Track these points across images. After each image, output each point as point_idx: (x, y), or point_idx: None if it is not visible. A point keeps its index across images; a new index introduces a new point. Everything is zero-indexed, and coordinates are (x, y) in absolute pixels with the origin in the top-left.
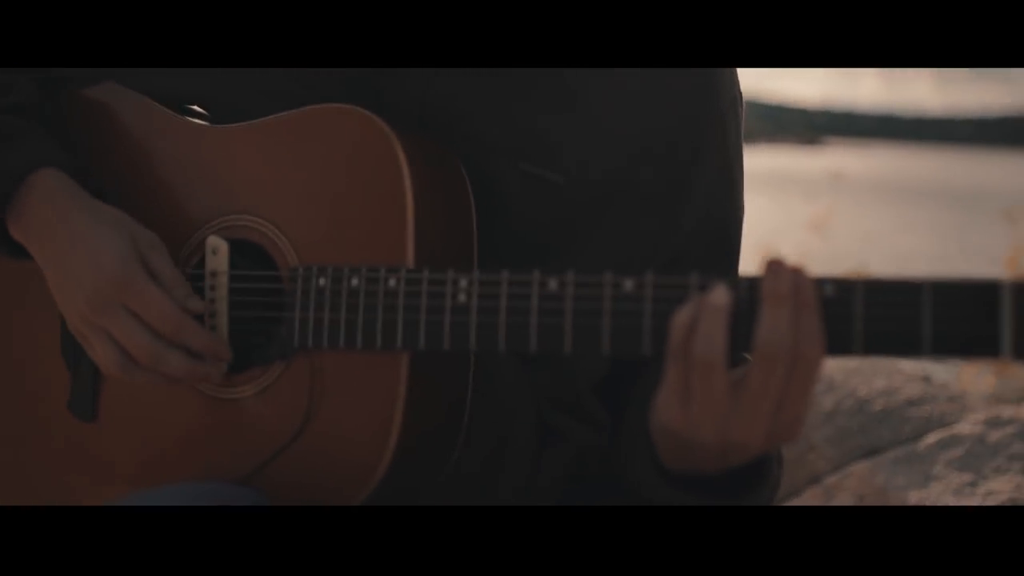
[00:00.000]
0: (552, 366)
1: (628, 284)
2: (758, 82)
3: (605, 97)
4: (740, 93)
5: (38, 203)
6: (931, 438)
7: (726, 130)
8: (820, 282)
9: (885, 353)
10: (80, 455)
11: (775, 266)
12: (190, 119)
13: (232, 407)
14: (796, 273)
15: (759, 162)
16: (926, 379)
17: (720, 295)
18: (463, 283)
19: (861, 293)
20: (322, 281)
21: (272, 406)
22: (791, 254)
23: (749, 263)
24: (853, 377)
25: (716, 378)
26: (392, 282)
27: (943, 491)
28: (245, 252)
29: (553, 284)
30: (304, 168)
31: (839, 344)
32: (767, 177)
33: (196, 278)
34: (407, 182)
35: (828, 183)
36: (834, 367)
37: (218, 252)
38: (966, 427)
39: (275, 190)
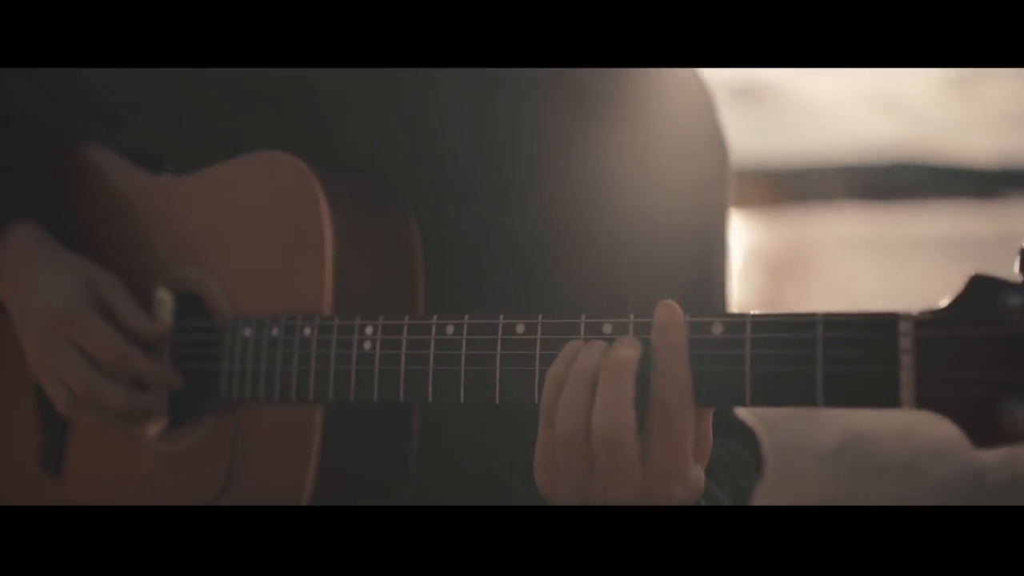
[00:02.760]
0: (504, 423)
1: (520, 327)
2: (927, 138)
3: (562, 143)
4: (723, 136)
5: (10, 253)
6: None
7: (697, 172)
8: (706, 322)
9: (776, 401)
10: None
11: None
12: (152, 175)
13: (171, 463)
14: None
15: (925, 223)
16: None
17: (587, 357)
18: (368, 330)
19: (749, 330)
20: (247, 331)
21: (202, 461)
22: None
23: None
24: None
25: (577, 450)
26: (307, 331)
27: None
28: (194, 303)
29: (450, 328)
30: (239, 216)
31: (727, 390)
32: (934, 238)
33: None
34: (327, 227)
35: (1002, 242)
36: (948, 432)
37: (164, 304)
38: None
39: (215, 240)
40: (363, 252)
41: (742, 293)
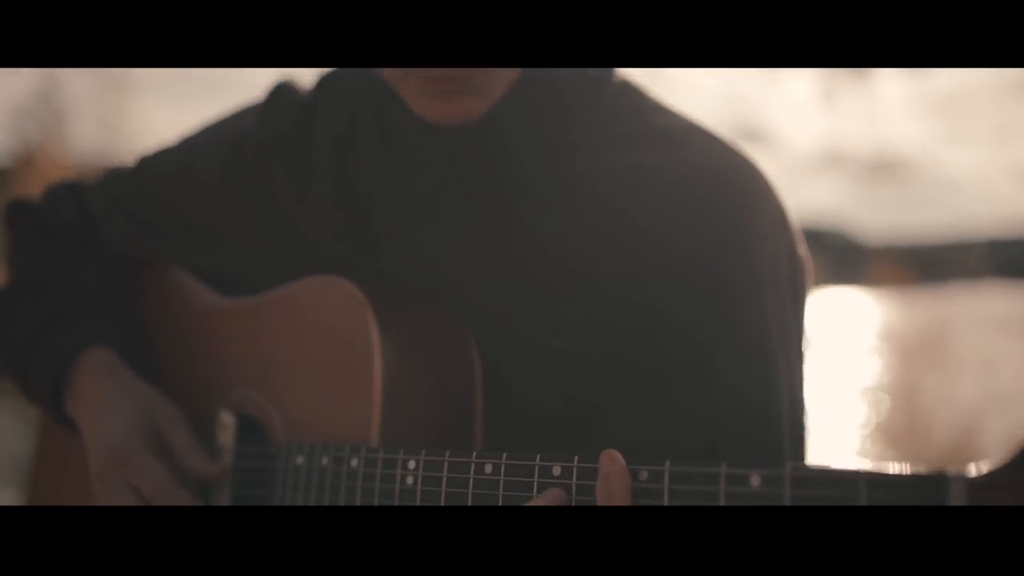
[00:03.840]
0: None
1: (556, 469)
2: None
3: (617, 263)
4: (797, 259)
5: (84, 378)
6: None
7: (763, 303)
8: (743, 475)
9: None
10: None
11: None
12: (224, 296)
13: None
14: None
15: None
16: None
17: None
18: (411, 465)
19: (788, 487)
20: (300, 459)
21: None
22: None
23: None
24: None
25: None
26: (354, 462)
27: None
28: (256, 426)
29: (488, 467)
30: (295, 341)
31: None
32: None
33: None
34: (376, 356)
35: None
36: None
37: (227, 428)
38: None
39: (273, 365)
40: (415, 381)
41: (876, 380)
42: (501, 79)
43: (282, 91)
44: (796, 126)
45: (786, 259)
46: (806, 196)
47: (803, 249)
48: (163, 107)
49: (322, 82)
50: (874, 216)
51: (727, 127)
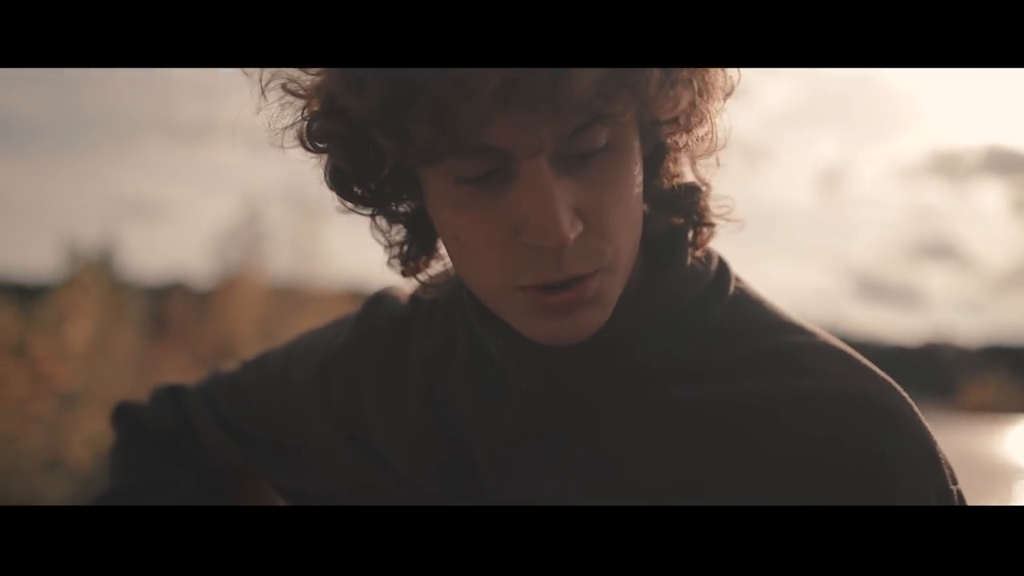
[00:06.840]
0: None
1: None
2: None
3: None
4: (948, 494)
5: None
6: None
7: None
8: None
9: None
10: None
11: None
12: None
13: None
14: None
15: None
16: None
17: None
18: None
19: None
20: None
21: None
22: None
23: None
24: None
25: None
26: None
27: None
28: None
29: None
30: None
31: None
32: None
33: None
34: None
35: None
36: None
37: None
38: None
39: None
40: None
41: None
42: (618, 284)
43: (378, 302)
44: (988, 239)
45: (934, 496)
46: (1007, 313)
47: (953, 483)
48: (352, 232)
49: (417, 293)
50: None
51: (915, 242)
